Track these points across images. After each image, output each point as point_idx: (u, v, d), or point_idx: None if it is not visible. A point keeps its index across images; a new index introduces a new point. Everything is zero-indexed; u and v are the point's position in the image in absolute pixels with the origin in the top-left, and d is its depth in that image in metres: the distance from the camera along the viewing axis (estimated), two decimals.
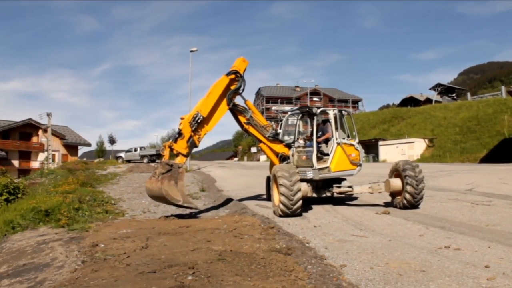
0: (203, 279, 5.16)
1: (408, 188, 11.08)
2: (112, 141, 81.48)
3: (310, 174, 11.77)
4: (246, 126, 13.05)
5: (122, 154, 58.00)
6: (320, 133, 12.67)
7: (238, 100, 12.86)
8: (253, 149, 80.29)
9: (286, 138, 13.77)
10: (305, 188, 11.44)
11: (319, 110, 12.69)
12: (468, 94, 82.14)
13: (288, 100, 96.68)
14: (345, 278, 5.36)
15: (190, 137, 11.71)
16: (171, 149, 11.59)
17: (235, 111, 12.86)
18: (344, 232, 8.52)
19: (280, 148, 13.33)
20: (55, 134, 62.25)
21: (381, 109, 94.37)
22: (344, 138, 12.18)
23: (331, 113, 12.37)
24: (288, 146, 13.37)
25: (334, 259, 6.29)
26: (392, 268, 5.75)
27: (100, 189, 19.46)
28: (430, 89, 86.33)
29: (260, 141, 13.37)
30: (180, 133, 11.68)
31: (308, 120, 13.26)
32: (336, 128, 12.11)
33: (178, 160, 11.61)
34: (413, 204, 11.17)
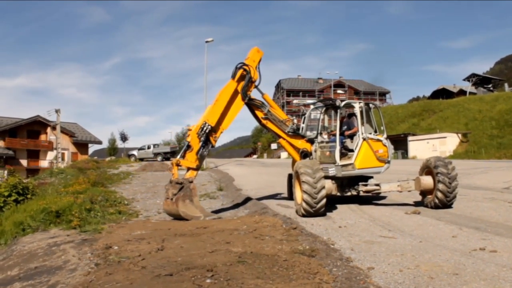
0: (222, 282, 5.23)
1: (440, 186, 10.99)
2: (124, 138, 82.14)
3: (332, 171, 11.73)
4: (264, 122, 13.08)
5: (135, 152, 58.37)
6: (345, 127, 12.61)
7: (255, 94, 12.90)
8: (274, 146, 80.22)
9: (308, 133, 13.75)
10: (330, 185, 11.43)
11: (343, 103, 12.61)
12: (506, 84, 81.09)
13: (310, 93, 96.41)
14: (372, 281, 5.38)
15: (200, 149, 11.89)
16: (179, 166, 11.88)
17: (252, 105, 12.88)
18: (372, 233, 8.52)
19: (301, 144, 13.30)
20: (64, 131, 63.06)
21: (411, 102, 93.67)
22: (370, 133, 12.12)
23: (357, 106, 12.29)
24: (311, 141, 13.31)
25: (361, 261, 6.31)
26: (423, 271, 5.75)
27: (113, 189, 19.73)
28: (464, 80, 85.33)
29: (280, 137, 13.37)
30: (188, 146, 11.92)
31: (333, 114, 13.20)
32: (362, 122, 12.04)
33: (188, 174, 11.85)
34: (446, 204, 11.09)
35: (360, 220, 10.07)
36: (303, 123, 13.89)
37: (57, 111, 53.39)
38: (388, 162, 12.16)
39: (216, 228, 9.36)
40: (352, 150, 12.04)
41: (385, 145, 12.18)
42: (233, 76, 12.40)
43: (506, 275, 5.49)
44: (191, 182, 11.52)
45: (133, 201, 16.02)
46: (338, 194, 12.14)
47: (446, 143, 51.11)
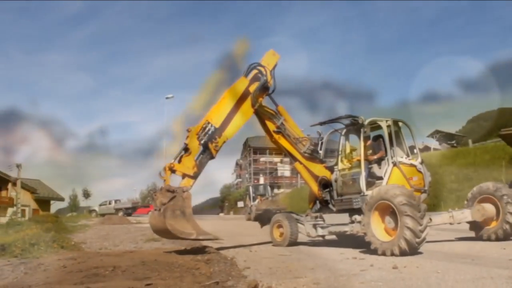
0: None
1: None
2: (86, 195, 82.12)
3: (357, 203, 10.36)
4: (275, 136, 11.79)
5: (96, 208, 58.97)
6: (370, 151, 11.24)
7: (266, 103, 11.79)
8: (240, 204, 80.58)
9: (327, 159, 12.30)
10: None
11: (367, 121, 11.14)
12: (470, 141, 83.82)
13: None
14: None
15: (199, 153, 10.62)
16: (173, 171, 10.36)
17: (262, 115, 11.69)
18: None
19: (319, 170, 11.80)
20: (25, 187, 62.75)
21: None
22: (402, 157, 10.79)
23: (384, 125, 10.97)
24: (331, 169, 11.62)
25: None
26: None
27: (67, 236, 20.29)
28: (428, 136, 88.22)
29: (294, 158, 12.05)
30: (186, 149, 10.48)
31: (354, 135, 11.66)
32: (391, 144, 10.74)
33: (184, 183, 10.37)
34: None
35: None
36: (320, 148, 12.14)
37: (18, 166, 53.54)
38: (425, 191, 10.73)
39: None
40: (380, 178, 10.57)
41: (420, 171, 10.78)
42: (246, 74, 11.29)
43: None
44: (185, 191, 10.07)
45: (82, 243, 16.47)
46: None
47: None
